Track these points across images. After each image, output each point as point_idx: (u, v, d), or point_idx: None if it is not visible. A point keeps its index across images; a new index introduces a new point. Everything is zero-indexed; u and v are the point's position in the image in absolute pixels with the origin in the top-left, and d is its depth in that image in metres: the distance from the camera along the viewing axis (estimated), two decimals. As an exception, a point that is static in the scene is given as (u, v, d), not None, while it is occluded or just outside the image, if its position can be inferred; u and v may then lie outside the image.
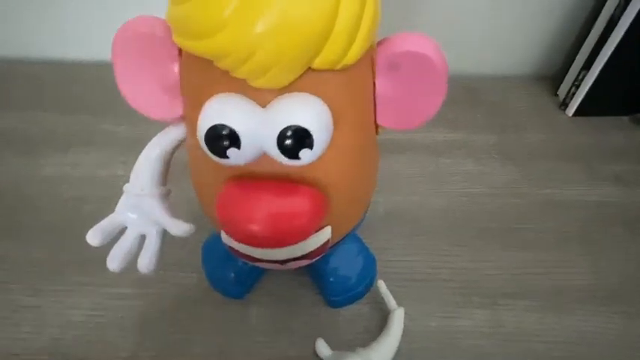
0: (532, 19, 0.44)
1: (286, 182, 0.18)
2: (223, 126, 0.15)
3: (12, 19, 0.45)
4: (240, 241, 0.19)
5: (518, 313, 0.29)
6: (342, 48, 0.15)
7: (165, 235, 0.23)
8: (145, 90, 0.19)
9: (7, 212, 0.34)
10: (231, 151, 0.15)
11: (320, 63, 0.15)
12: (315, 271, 0.30)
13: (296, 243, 0.19)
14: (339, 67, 0.16)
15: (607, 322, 0.29)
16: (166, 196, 0.22)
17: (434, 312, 0.29)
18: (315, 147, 0.15)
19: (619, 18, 0.37)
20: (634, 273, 0.32)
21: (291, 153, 0.15)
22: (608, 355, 0.28)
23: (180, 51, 0.18)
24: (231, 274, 0.29)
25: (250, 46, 0.14)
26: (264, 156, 0.17)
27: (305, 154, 0.15)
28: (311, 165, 0.18)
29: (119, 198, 0.23)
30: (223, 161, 0.16)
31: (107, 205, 0.22)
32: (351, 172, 0.20)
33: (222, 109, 0.15)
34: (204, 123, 0.15)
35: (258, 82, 0.15)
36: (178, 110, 0.20)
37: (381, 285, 0.28)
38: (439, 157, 0.39)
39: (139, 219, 0.22)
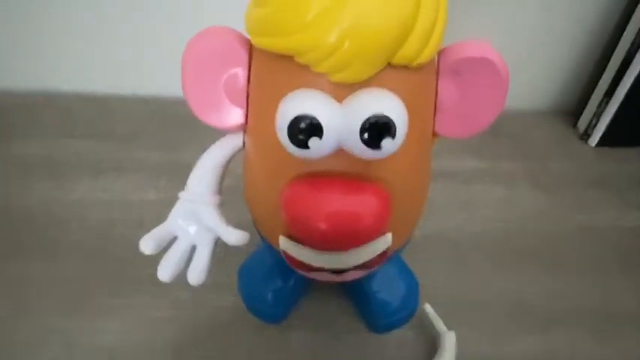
0: (549, 54, 0.47)
1: (354, 180, 0.17)
2: (308, 116, 0.15)
3: (47, 54, 0.47)
4: (306, 241, 0.18)
5: (571, 338, 0.28)
6: (420, 44, 0.16)
7: (216, 246, 0.22)
8: (209, 98, 0.20)
9: (38, 235, 0.33)
10: (313, 141, 0.16)
11: (398, 59, 0.16)
12: (357, 295, 0.29)
13: (362, 243, 0.18)
14: (414, 64, 0.16)
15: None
16: (221, 205, 0.22)
17: (484, 337, 0.28)
18: (396, 136, 0.16)
19: (637, 49, 0.39)
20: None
21: (374, 142, 0.16)
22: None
23: (249, 58, 0.19)
24: (269, 296, 0.28)
25: (334, 42, 0.15)
26: (334, 153, 0.17)
27: (387, 144, 0.16)
28: (378, 164, 0.18)
29: (150, 221, 0.22)
30: (301, 153, 0.16)
31: (138, 228, 0.22)
32: (412, 173, 0.20)
33: (306, 101, 0.16)
34: (288, 114, 0.16)
35: (338, 77, 0.16)
36: (239, 118, 0.20)
37: (428, 308, 0.27)
38: (470, 184, 0.39)
39: (192, 228, 0.21)
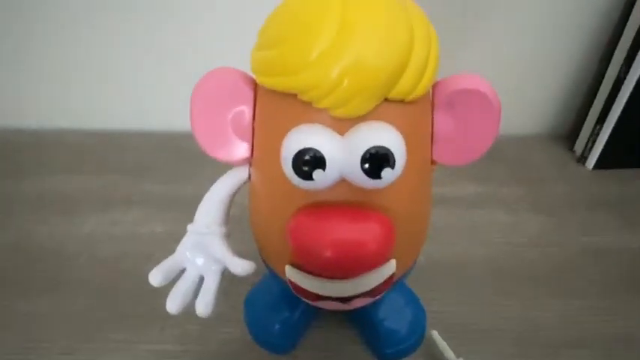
0: (543, 81, 0.48)
1: (357, 209, 0.18)
2: (311, 149, 0.16)
3: (56, 93, 0.49)
4: (312, 268, 0.19)
5: (583, 364, 0.28)
6: (414, 80, 0.17)
7: (222, 277, 0.22)
8: (216, 134, 0.21)
9: (47, 269, 0.33)
10: (317, 173, 0.16)
11: (395, 94, 0.17)
12: (364, 324, 0.29)
13: (367, 270, 0.19)
14: (410, 98, 0.17)
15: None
16: (227, 236, 0.22)
17: (494, 365, 0.28)
18: (395, 166, 0.16)
19: (627, 72, 0.40)
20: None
21: (375, 172, 0.16)
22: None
23: (254, 96, 0.20)
24: (276, 327, 0.28)
25: (334, 80, 0.16)
26: (337, 184, 0.18)
27: (387, 174, 0.16)
28: (380, 193, 0.19)
29: (159, 254, 0.23)
30: (305, 184, 0.17)
31: (147, 261, 0.22)
32: (413, 200, 0.20)
33: (309, 135, 0.17)
34: (292, 147, 0.17)
35: (338, 112, 0.17)
36: (245, 152, 0.21)
37: (436, 335, 0.27)
38: (473, 209, 0.40)
39: (200, 260, 0.22)
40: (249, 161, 0.22)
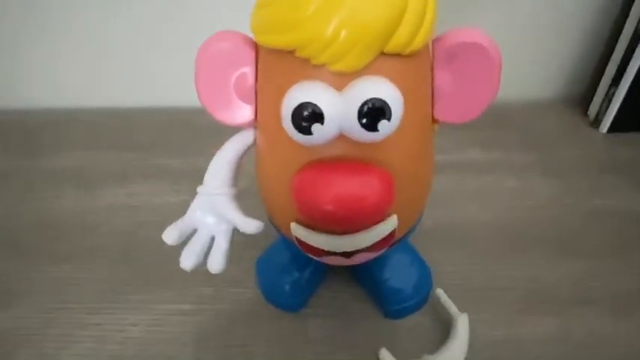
0: (556, 44, 0.47)
1: (358, 164, 0.19)
2: (309, 104, 0.17)
3: (69, 72, 0.51)
4: (315, 222, 0.20)
5: (587, 320, 0.28)
6: (411, 33, 0.17)
7: (233, 240, 0.24)
8: (220, 96, 0.21)
9: (69, 239, 0.35)
10: (316, 127, 0.17)
11: (392, 47, 0.17)
12: (370, 283, 0.30)
13: (368, 224, 0.19)
14: (407, 51, 0.17)
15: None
16: (236, 198, 0.23)
17: (498, 321, 0.28)
18: (392, 119, 0.17)
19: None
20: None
21: (371, 125, 0.17)
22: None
23: (256, 57, 0.21)
24: (286, 287, 0.29)
25: (330, 34, 0.16)
26: (338, 138, 0.18)
27: (383, 126, 0.17)
28: (380, 148, 0.19)
29: (173, 222, 0.24)
30: (305, 139, 0.18)
31: (162, 229, 0.24)
32: (414, 157, 0.21)
33: (307, 91, 0.17)
34: (291, 103, 0.17)
35: (336, 67, 0.17)
36: (249, 115, 0.22)
37: (440, 293, 0.28)
38: (480, 175, 0.40)
39: (211, 219, 0.23)
40: (254, 124, 0.22)
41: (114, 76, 0.51)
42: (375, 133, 0.17)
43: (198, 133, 0.46)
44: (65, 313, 0.30)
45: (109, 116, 0.50)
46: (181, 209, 0.24)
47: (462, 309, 0.27)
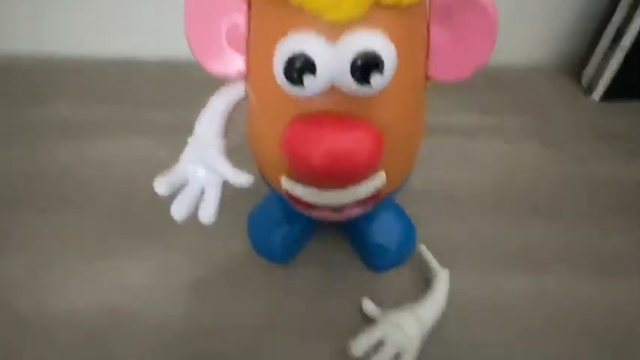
0: (553, 6, 0.46)
1: (348, 118, 0.19)
2: (302, 54, 0.17)
3: (65, 18, 0.49)
4: (305, 176, 0.20)
5: (562, 280, 0.30)
6: (407, -17, 0.16)
7: (224, 191, 0.24)
8: (212, 45, 0.21)
9: (61, 191, 0.35)
10: (307, 78, 0.17)
11: (387, -3, 0.17)
12: (358, 238, 0.30)
13: (357, 178, 0.20)
14: (404, 3, 0.17)
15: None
16: (226, 150, 0.23)
17: (477, 277, 0.30)
18: (384, 72, 0.17)
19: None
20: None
21: (363, 77, 0.17)
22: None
23: (248, 3, 0.20)
24: (277, 240, 0.30)
25: (325, -20, 0.16)
26: (330, 90, 0.18)
27: (376, 79, 0.17)
28: (371, 103, 0.19)
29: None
30: (296, 90, 0.18)
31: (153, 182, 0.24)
32: (405, 114, 0.21)
33: (300, 41, 0.17)
34: (284, 53, 0.17)
35: (330, 15, 0.17)
36: (240, 65, 0.21)
37: (423, 249, 0.29)
38: (473, 139, 0.40)
39: (201, 171, 0.23)
40: (245, 77, 0.22)
41: (111, 25, 0.49)
42: (367, 87, 0.17)
43: (191, 86, 0.45)
44: (58, 263, 0.30)
45: (104, 67, 0.49)
46: (173, 164, 0.24)
47: (443, 265, 0.28)
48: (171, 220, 0.24)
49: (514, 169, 0.37)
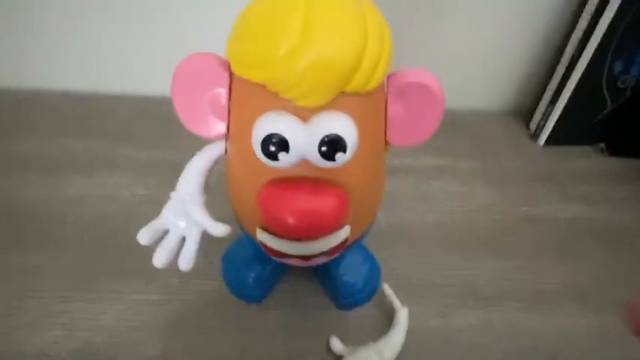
0: (506, 60, 0.51)
1: (318, 183, 0.21)
2: (277, 134, 0.19)
3: (36, 52, 0.49)
4: (278, 232, 0.22)
5: (507, 313, 0.33)
6: (366, 77, 0.20)
7: (201, 238, 0.26)
8: (196, 112, 0.23)
9: (36, 228, 0.36)
10: (282, 155, 0.19)
11: (350, 88, 0.20)
12: (326, 278, 0.33)
13: (324, 234, 0.22)
14: (363, 91, 0.20)
15: (582, 317, 0.33)
16: (205, 203, 0.26)
17: (433, 313, 0.33)
18: (347, 151, 0.20)
19: (577, 60, 0.44)
20: (602, 277, 0.36)
21: (329, 156, 0.20)
22: (587, 348, 0.31)
23: (229, 79, 0.22)
24: (249, 280, 0.32)
25: (298, 76, 0.19)
26: (300, 162, 0.21)
27: (340, 157, 0.20)
28: (337, 170, 0.22)
29: (141, 215, 0.25)
30: (272, 164, 0.20)
31: (131, 221, 0.25)
32: (368, 178, 0.24)
33: (276, 122, 0.20)
34: (261, 132, 0.20)
35: (301, 102, 0.19)
36: (221, 129, 0.24)
37: (386, 288, 0.32)
38: (429, 180, 0.44)
39: (182, 222, 0.25)
40: (226, 136, 0.24)
41: (84, 59, 0.50)
42: (333, 163, 0.20)
43: (165, 123, 0.46)
44: (33, 302, 0.31)
45: (76, 101, 0.50)
46: (149, 202, 0.25)
47: (403, 302, 0.31)
48: (148, 260, 0.25)
49: (467, 210, 0.41)
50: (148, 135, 0.46)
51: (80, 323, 0.30)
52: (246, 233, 0.28)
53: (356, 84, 0.20)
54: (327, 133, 0.19)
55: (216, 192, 0.27)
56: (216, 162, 0.25)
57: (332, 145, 0.19)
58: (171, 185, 0.26)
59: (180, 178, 0.25)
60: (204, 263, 0.33)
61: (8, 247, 0.34)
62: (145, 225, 0.25)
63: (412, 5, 0.46)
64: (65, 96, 0.50)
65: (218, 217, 0.25)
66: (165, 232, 0.26)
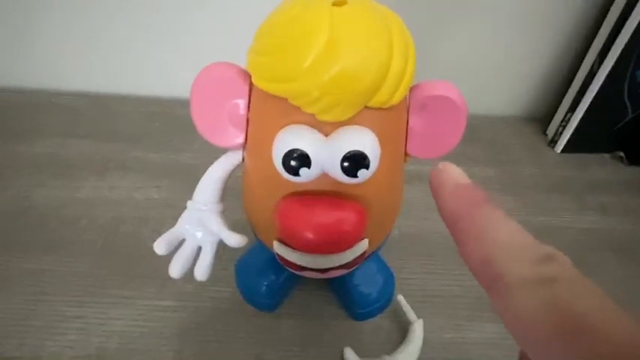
0: (522, 67, 0.51)
1: (337, 198, 0.21)
2: (298, 150, 0.19)
3: (52, 54, 0.50)
4: (296, 246, 0.22)
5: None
6: (391, 92, 0.19)
7: (217, 247, 0.26)
8: (214, 122, 0.23)
9: (50, 231, 0.36)
10: (303, 170, 0.19)
11: (374, 103, 0.19)
12: (340, 288, 0.33)
13: (343, 249, 0.22)
14: (386, 106, 0.20)
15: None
16: (222, 213, 0.25)
17: (448, 325, 0.32)
18: (370, 167, 0.19)
19: (599, 68, 0.43)
20: (619, 291, 0.35)
21: (352, 173, 0.19)
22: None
23: (249, 90, 0.22)
24: (263, 288, 0.32)
25: (321, 90, 0.18)
26: (320, 176, 0.21)
27: (362, 174, 0.19)
28: (356, 185, 0.21)
29: (155, 219, 0.25)
30: (293, 179, 0.20)
31: (143, 225, 0.25)
32: (387, 191, 0.23)
33: (297, 137, 0.19)
34: (283, 147, 0.19)
35: (324, 117, 0.19)
36: (239, 139, 0.24)
37: (401, 299, 0.31)
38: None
39: (198, 232, 0.25)
40: (244, 146, 0.24)
41: (99, 61, 0.50)
42: (355, 179, 0.20)
43: (179, 126, 0.47)
44: (47, 306, 0.31)
45: (90, 103, 0.50)
46: (162, 205, 0.25)
47: (418, 314, 0.31)
48: (161, 265, 0.25)
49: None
50: (161, 137, 0.46)
51: (94, 329, 0.30)
52: (261, 242, 0.27)
53: (380, 99, 0.19)
54: (350, 150, 0.19)
55: (231, 195, 0.26)
56: (233, 171, 0.25)
57: (355, 162, 0.19)
58: (184, 188, 0.25)
59: (196, 188, 0.25)
60: (218, 269, 0.33)
61: (19, 250, 0.34)
62: (157, 229, 0.25)
63: (429, 10, 0.45)
64: (79, 98, 0.50)
65: (233, 221, 0.25)
66: (182, 241, 0.25)
